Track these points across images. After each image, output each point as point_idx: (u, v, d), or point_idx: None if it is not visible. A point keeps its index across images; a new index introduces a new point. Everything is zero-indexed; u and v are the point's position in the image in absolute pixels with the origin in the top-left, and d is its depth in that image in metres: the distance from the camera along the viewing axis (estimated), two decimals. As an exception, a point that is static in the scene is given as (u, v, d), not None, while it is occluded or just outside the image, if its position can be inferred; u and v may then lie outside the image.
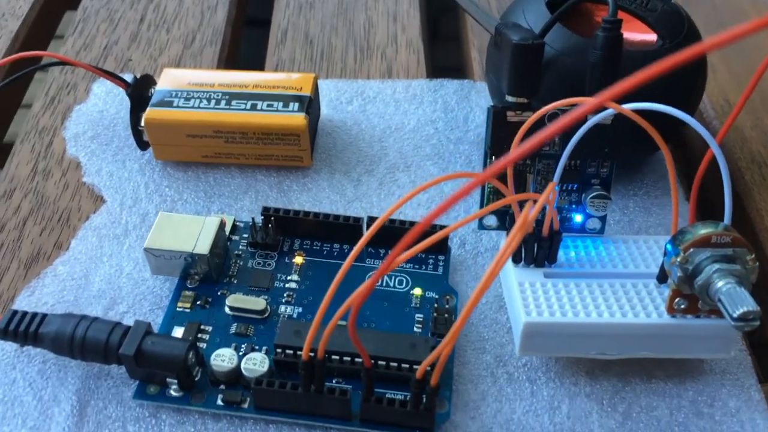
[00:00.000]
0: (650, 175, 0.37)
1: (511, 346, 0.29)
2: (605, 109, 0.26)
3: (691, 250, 0.25)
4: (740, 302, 0.23)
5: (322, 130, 0.39)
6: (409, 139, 0.38)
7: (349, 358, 0.27)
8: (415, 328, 0.29)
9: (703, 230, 0.25)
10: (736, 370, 0.28)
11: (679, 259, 0.25)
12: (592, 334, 0.26)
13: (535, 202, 0.23)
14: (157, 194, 0.35)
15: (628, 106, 0.25)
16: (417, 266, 0.31)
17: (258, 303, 0.29)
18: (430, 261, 0.32)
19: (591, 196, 0.30)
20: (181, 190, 0.35)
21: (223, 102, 0.35)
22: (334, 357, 0.27)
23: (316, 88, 0.37)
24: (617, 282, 0.28)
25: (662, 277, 0.28)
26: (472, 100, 0.41)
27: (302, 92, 0.36)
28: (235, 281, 0.30)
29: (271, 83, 0.36)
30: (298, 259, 0.31)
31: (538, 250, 0.28)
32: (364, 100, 0.40)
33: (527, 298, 0.27)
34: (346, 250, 0.32)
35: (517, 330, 0.27)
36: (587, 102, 0.16)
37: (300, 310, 0.30)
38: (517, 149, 0.16)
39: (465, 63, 0.47)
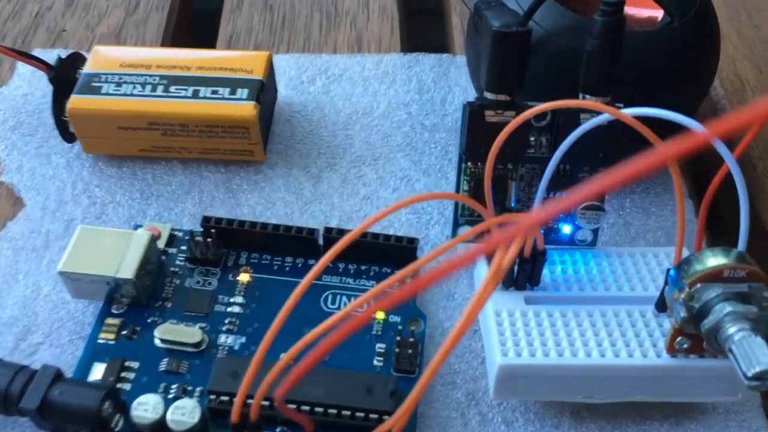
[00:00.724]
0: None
1: (485, 381, 0.25)
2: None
3: (699, 285, 0.21)
4: (757, 358, 0.19)
5: (279, 116, 0.34)
6: (378, 126, 0.34)
7: (296, 406, 0.23)
8: (375, 361, 0.25)
9: (714, 261, 0.21)
10: (742, 409, 0.25)
11: (683, 296, 0.21)
12: (578, 376, 0.23)
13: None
14: (86, 195, 0.31)
15: (629, 112, 0.21)
16: (376, 281, 0.27)
17: (193, 334, 0.25)
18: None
19: (582, 206, 0.26)
20: (114, 190, 0.31)
21: (160, 88, 0.30)
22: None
23: (270, 69, 0.32)
24: (610, 309, 0.24)
25: (662, 305, 0.24)
26: (451, 79, 0.36)
27: (253, 75, 0.31)
28: (170, 305, 0.27)
29: (218, 63, 0.31)
30: (244, 277, 0.27)
31: (519, 271, 0.25)
32: (329, 78, 0.36)
33: (504, 332, 0.23)
34: (300, 265, 0.28)
35: (492, 369, 0.23)
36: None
37: (243, 340, 0.26)
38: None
39: (446, 36, 0.42)
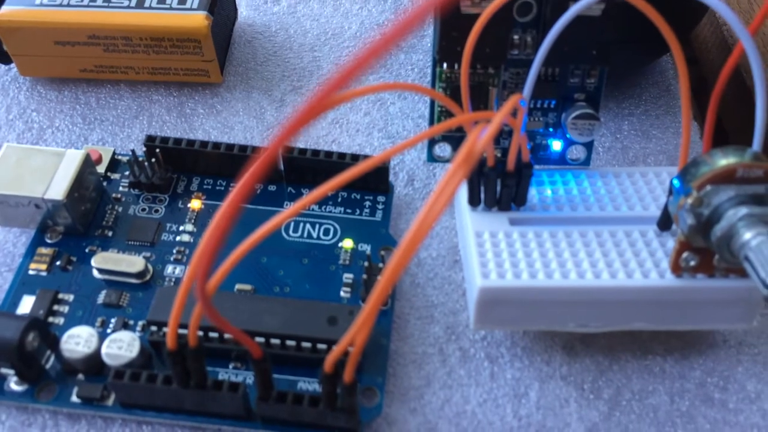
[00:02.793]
0: (650, 89, 0.30)
1: (467, 314, 0.23)
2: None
3: (708, 187, 0.18)
4: (776, 263, 0.16)
5: (239, 37, 0.31)
6: (349, 47, 0.31)
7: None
8: (342, 293, 0.23)
9: (725, 160, 0.18)
10: (756, 341, 0.23)
11: (690, 201, 0.18)
12: (570, 301, 0.20)
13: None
14: (21, 121, 0.28)
15: (624, -14, 0.19)
16: (349, 210, 0.25)
17: (134, 263, 0.23)
18: (366, 203, 0.25)
19: (573, 115, 0.23)
20: (53, 114, 0.28)
21: (100, -1, 0.28)
22: (226, 336, 0.21)
23: (227, -18, 0.29)
24: (605, 230, 0.22)
25: (665, 223, 0.21)
26: (430, -2, 0.33)
27: (206, -15, 0.28)
28: (111, 234, 0.24)
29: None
30: (195, 204, 0.25)
31: (503, 188, 0.22)
32: (295, -1, 0.33)
33: (485, 253, 0.21)
34: (258, 191, 0.25)
35: (472, 295, 0.21)
36: None
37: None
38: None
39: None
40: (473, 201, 0.22)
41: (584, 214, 0.23)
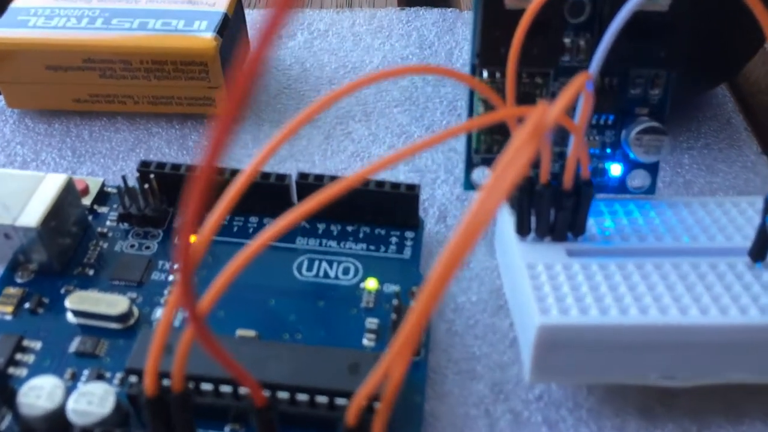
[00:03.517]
0: (708, 122, 0.27)
1: (517, 368, 0.19)
2: None
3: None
4: None
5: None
6: (371, 80, 0.28)
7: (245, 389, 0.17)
8: (365, 341, 0.19)
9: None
10: None
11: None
12: (651, 343, 0.16)
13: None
14: (3, 154, 0.25)
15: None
16: (372, 247, 0.21)
17: (116, 303, 0.19)
18: (393, 240, 0.22)
19: (638, 129, 0.20)
20: (39, 148, 0.25)
21: (99, 21, 0.25)
22: (222, 388, 0.17)
23: (239, 9, 0.27)
24: (685, 262, 0.18)
25: (759, 252, 0.18)
26: (457, 33, 0.31)
27: (216, 8, 0.26)
28: (92, 272, 0.20)
29: None
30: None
31: (558, 213, 0.19)
32: (312, 34, 0.31)
33: (542, 287, 0.17)
34: (267, 225, 0.22)
35: (527, 340, 0.17)
36: None
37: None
38: None
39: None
40: (522, 229, 0.19)
41: (655, 246, 0.19)
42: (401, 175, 0.25)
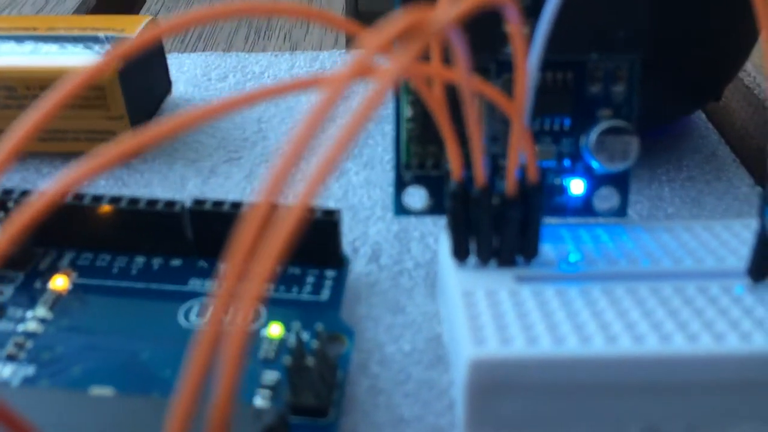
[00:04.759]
0: (690, 155, 0.24)
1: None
2: None
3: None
4: None
5: (169, 111, 0.26)
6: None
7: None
8: (257, 399, 0.15)
9: None
10: None
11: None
12: (621, 385, 0.12)
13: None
14: None
15: None
16: (283, 288, 0.17)
17: (-67, 354, 0.15)
18: (309, 279, 0.18)
19: (599, 131, 0.16)
20: None
21: (-14, 47, 0.22)
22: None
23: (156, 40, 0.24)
24: (667, 286, 0.14)
25: (759, 269, 0.14)
26: (408, 74, 0.28)
27: (123, 34, 0.23)
28: None
29: (82, 23, 0.24)
30: (60, 282, 0.17)
31: (503, 227, 0.15)
32: (246, 76, 0.28)
33: (479, 316, 0.13)
34: (156, 267, 0.18)
35: (459, 383, 0.13)
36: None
37: (31, 370, 0.15)
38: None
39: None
40: (459, 251, 0.15)
41: (629, 269, 0.15)
42: (330, 212, 0.21)
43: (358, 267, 0.19)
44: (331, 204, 0.21)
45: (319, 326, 0.15)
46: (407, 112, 0.17)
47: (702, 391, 0.12)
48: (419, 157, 0.17)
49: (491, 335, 0.13)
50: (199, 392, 0.08)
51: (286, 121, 0.25)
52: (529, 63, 0.15)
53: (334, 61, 0.29)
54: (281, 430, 0.13)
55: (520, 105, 0.13)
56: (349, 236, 0.20)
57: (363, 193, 0.22)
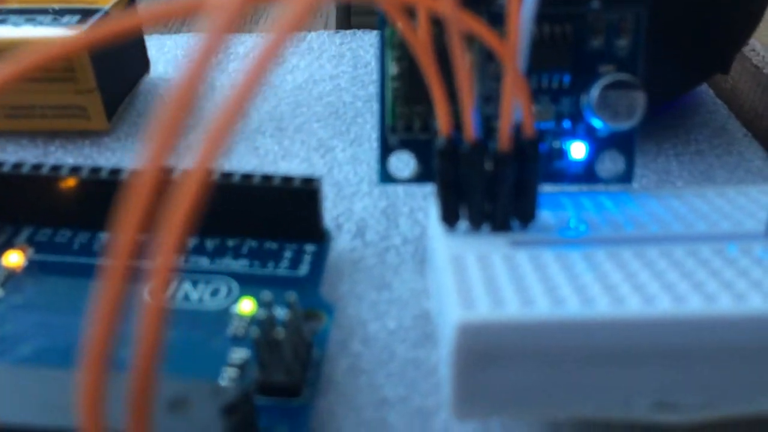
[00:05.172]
0: (699, 129, 0.22)
1: (446, 415, 0.13)
2: None
3: None
4: None
5: (147, 91, 0.24)
6: (291, 97, 0.24)
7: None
8: (224, 378, 0.13)
9: None
10: None
11: None
12: (629, 351, 0.11)
13: None
14: None
15: None
16: (258, 263, 0.16)
17: None
18: (287, 254, 0.16)
19: (602, 85, 0.15)
20: None
21: (-51, 19, 0.21)
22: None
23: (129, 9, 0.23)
24: (679, 249, 0.13)
25: (782, 227, 0.12)
26: (399, 53, 0.27)
27: (96, 5, 0.22)
28: None
29: None
30: (14, 258, 0.16)
31: (496, 189, 0.13)
32: (228, 57, 0.27)
33: (469, 279, 0.12)
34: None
35: (447, 352, 0.11)
36: None
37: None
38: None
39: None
40: (448, 215, 0.14)
41: (637, 234, 0.14)
42: (313, 189, 0.20)
43: (342, 243, 0.18)
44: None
45: (292, 297, 0.13)
46: (392, 69, 0.16)
47: (722, 358, 0.11)
48: (406, 118, 0.16)
49: (482, 298, 0.11)
50: (104, 366, 0.07)
51: (270, 100, 0.24)
52: (522, 11, 0.13)
53: (322, 42, 0.28)
54: (244, 410, 0.11)
55: (513, 46, 0.12)
56: (333, 212, 0.19)
57: (349, 170, 0.20)
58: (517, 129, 0.13)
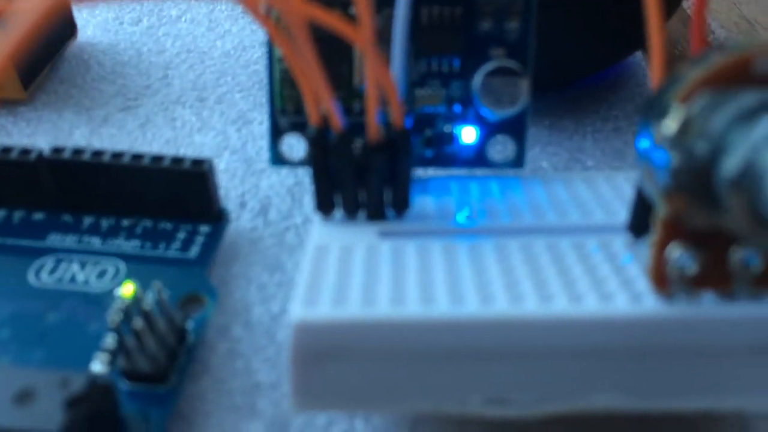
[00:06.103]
0: (622, 103, 0.22)
1: (313, 400, 0.14)
2: None
3: (702, 98, 0.10)
4: None
5: (72, 56, 0.24)
6: (217, 65, 0.24)
7: None
8: (95, 364, 0.14)
9: (721, 56, 0.10)
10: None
11: (672, 124, 0.10)
12: (461, 349, 0.11)
13: None
14: None
15: None
16: (150, 244, 0.16)
17: None
18: (180, 235, 0.17)
19: (485, 72, 0.15)
20: None
21: None
22: None
23: (51, -21, 0.23)
24: (540, 241, 0.13)
25: (639, 223, 0.13)
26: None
27: (9, -28, 0.22)
28: None
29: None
30: None
31: (369, 179, 0.14)
32: (161, 20, 0.26)
33: (322, 274, 0.12)
34: (16, 221, 0.17)
35: (287, 349, 0.12)
36: None
37: None
38: None
39: None
40: (323, 204, 0.14)
41: (507, 225, 0.14)
42: (222, 164, 0.20)
43: (243, 222, 0.18)
44: (226, 155, 0.20)
45: (157, 284, 0.14)
46: (280, 51, 0.16)
47: (554, 357, 0.11)
48: (294, 102, 0.16)
49: (326, 295, 0.11)
50: None
51: (195, 68, 0.24)
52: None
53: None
54: (95, 399, 0.12)
55: (368, 32, 0.12)
56: (239, 189, 0.19)
57: (263, 144, 0.20)
58: (386, 120, 0.13)
